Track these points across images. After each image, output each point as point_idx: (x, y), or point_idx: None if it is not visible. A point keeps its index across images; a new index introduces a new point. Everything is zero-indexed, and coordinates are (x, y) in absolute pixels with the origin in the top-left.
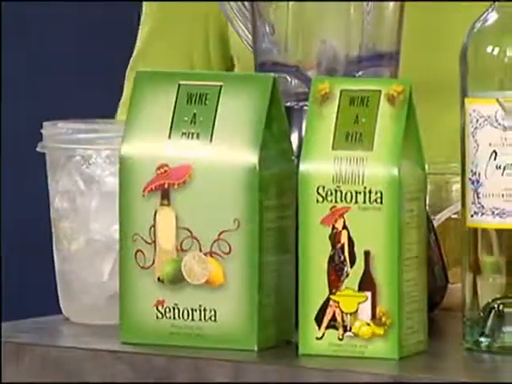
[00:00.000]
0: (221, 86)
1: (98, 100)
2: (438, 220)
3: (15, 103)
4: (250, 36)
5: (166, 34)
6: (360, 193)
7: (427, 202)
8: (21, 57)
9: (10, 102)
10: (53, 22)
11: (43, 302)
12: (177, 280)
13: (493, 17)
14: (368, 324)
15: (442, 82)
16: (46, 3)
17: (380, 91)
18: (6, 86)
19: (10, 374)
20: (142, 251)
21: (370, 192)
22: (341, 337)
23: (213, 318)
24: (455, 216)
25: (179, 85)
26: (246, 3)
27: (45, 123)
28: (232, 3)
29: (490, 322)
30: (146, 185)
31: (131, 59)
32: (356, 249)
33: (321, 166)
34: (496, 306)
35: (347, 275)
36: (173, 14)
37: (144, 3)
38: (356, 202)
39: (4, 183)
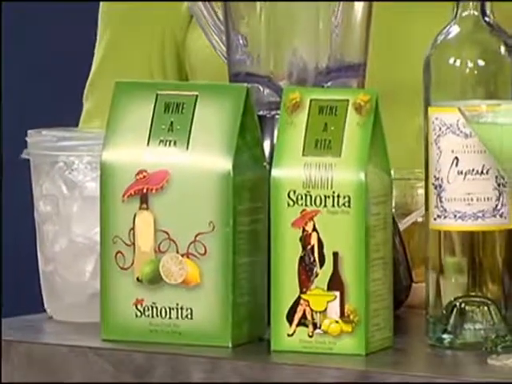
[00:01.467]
0: (196, 96)
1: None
2: (405, 223)
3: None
4: (224, 48)
5: (124, 52)
6: (329, 197)
7: (393, 205)
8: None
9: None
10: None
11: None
12: (155, 280)
13: (454, 30)
14: (337, 322)
15: (405, 92)
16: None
17: (348, 100)
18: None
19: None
20: (121, 253)
21: (338, 196)
22: (311, 334)
23: (189, 316)
24: (421, 219)
25: (157, 94)
26: (221, 16)
27: (29, 131)
28: (207, 17)
29: (452, 320)
30: (126, 190)
31: (90, 75)
32: (325, 250)
33: (292, 171)
34: (458, 304)
35: (317, 275)
36: (129, 31)
37: (100, 14)
38: (325, 205)
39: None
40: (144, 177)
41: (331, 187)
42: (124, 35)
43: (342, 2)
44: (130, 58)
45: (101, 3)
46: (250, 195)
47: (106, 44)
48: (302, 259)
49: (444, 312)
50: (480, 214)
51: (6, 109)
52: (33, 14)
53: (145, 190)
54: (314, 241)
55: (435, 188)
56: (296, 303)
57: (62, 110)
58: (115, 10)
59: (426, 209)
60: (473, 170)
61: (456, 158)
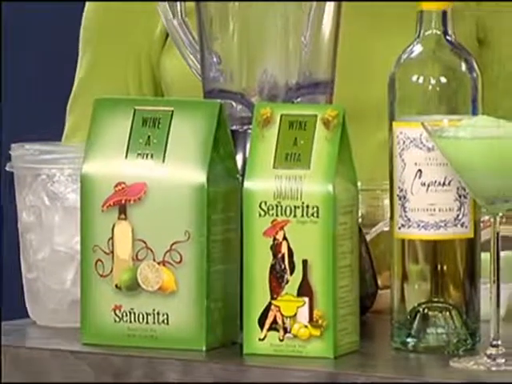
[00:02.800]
0: (172, 111)
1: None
2: (372, 232)
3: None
4: (198, 66)
5: (102, 72)
6: (298, 207)
7: (360, 215)
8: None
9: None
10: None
11: None
12: (133, 287)
13: (418, 49)
14: (306, 326)
15: (369, 108)
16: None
17: (316, 116)
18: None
19: None
20: (101, 261)
21: (307, 207)
22: (281, 338)
23: (165, 322)
24: (387, 228)
25: (135, 110)
26: (196, 36)
27: (13, 145)
28: (183, 37)
29: (415, 325)
30: (105, 201)
31: (72, 91)
32: (295, 258)
33: (263, 183)
34: (421, 309)
35: (287, 282)
36: (107, 52)
37: (81, 31)
38: (295, 215)
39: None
40: (122, 188)
41: (300, 198)
42: (102, 56)
43: (310, 23)
44: (108, 78)
45: (83, 21)
46: (223, 206)
47: (86, 64)
48: (272, 267)
49: (408, 317)
50: (442, 224)
51: (7, 108)
52: (33, 14)
53: (123, 201)
54: (284, 249)
55: (399, 199)
56: (267, 309)
57: (63, 110)
58: (95, 30)
59: (391, 219)
60: (435, 181)
61: (419, 170)
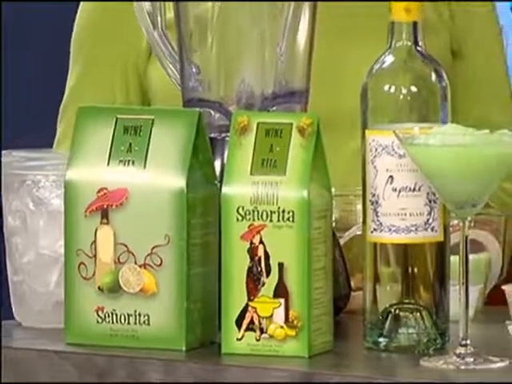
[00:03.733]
0: (153, 120)
1: None
2: (346, 236)
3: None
4: (178, 76)
5: (91, 82)
6: (274, 212)
7: (334, 219)
8: None
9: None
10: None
11: None
12: (115, 289)
13: (389, 59)
14: (282, 327)
15: (343, 117)
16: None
17: (292, 124)
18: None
19: None
20: (84, 264)
21: (283, 211)
22: (258, 338)
23: (146, 322)
24: (360, 232)
25: (117, 118)
26: (176, 47)
27: (3, 152)
28: (163, 48)
29: (387, 325)
30: (88, 206)
31: (63, 101)
32: (271, 261)
33: (240, 189)
34: (393, 310)
35: (263, 284)
36: (96, 63)
37: (72, 42)
38: (271, 220)
39: None
40: (105, 194)
41: (276, 203)
42: (91, 67)
43: (285, 35)
44: (97, 88)
45: (74, 30)
46: (202, 211)
47: (76, 74)
48: (249, 269)
49: (380, 318)
50: (413, 228)
51: (6, 107)
52: (33, 14)
53: (105, 206)
54: (260, 252)
55: (372, 204)
56: (244, 310)
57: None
58: (85, 40)
59: (364, 223)
60: (406, 187)
61: (391, 176)
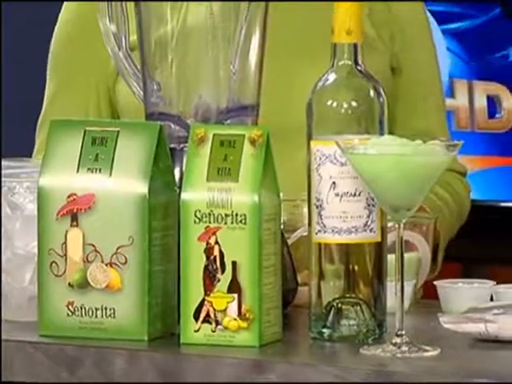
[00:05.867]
0: (118, 131)
1: None
2: (294, 237)
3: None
4: (141, 92)
5: (66, 98)
6: (228, 215)
7: (282, 222)
8: None
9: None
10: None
11: None
12: (83, 285)
13: (332, 77)
14: (235, 319)
15: (291, 130)
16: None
17: (244, 135)
18: None
19: None
20: (55, 262)
21: (236, 215)
22: (214, 329)
23: (112, 315)
24: (305, 233)
25: (85, 130)
26: (139, 66)
27: None
28: (128, 67)
29: (330, 317)
30: (59, 210)
31: (40, 115)
32: (225, 260)
33: (197, 194)
34: (335, 304)
35: (219, 280)
36: (70, 80)
37: (49, 58)
38: (225, 222)
39: None
40: (74, 199)
41: (230, 207)
42: (66, 84)
43: (238, 55)
44: (70, 105)
45: (51, 45)
46: (162, 214)
47: (51, 91)
48: (206, 267)
49: (324, 310)
50: (353, 229)
51: (7, 106)
52: (33, 14)
53: (75, 210)
54: (216, 252)
55: (316, 208)
56: (201, 304)
57: None
58: (59, 58)
59: (309, 225)
60: (347, 192)
61: (333, 182)
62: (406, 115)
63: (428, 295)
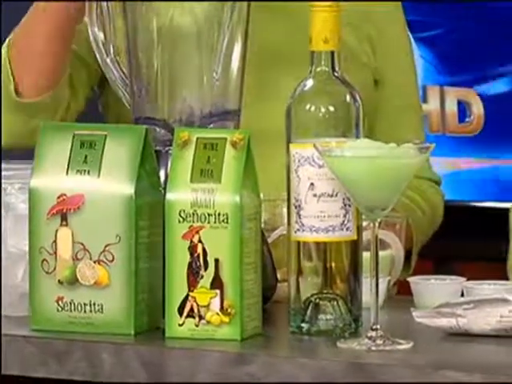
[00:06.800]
0: (106, 135)
1: None
2: (274, 235)
3: None
4: (128, 97)
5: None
6: (211, 215)
7: (262, 221)
8: None
9: None
10: None
11: None
12: (73, 281)
13: (310, 83)
14: (217, 314)
15: (271, 134)
16: None
17: (226, 139)
18: None
19: None
20: (46, 260)
21: (218, 214)
22: (197, 324)
23: (100, 311)
24: (285, 232)
25: (74, 134)
26: (128, 74)
27: None
28: (115, 73)
29: (309, 312)
30: (49, 210)
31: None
32: (208, 257)
33: (182, 195)
34: (313, 299)
35: (202, 277)
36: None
37: None
38: (208, 222)
39: None
40: (64, 199)
41: (213, 207)
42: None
43: (221, 62)
44: None
45: None
46: (148, 214)
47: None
48: (190, 264)
49: (302, 306)
50: (330, 228)
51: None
52: None
53: (64, 210)
54: (199, 250)
55: (295, 208)
56: (185, 299)
57: None
58: None
59: (288, 224)
60: (325, 193)
61: (312, 183)
62: (387, 126)
63: (402, 293)
